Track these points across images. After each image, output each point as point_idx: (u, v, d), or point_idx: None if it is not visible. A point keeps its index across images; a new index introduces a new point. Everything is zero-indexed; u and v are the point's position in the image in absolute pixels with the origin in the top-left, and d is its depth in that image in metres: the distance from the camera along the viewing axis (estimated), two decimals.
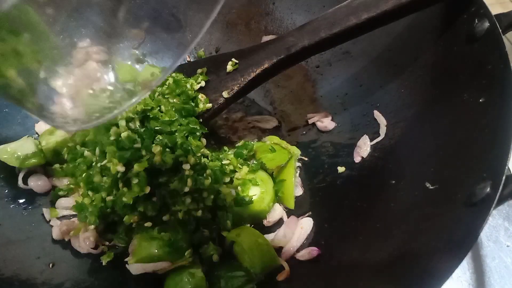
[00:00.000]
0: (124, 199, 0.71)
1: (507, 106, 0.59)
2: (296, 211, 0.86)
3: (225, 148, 0.92)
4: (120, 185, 0.72)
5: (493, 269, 0.83)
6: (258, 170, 0.86)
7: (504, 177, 0.53)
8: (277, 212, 0.86)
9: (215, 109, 0.88)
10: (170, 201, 0.76)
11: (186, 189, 0.76)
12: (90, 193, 0.77)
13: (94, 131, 0.79)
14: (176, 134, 0.79)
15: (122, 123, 0.76)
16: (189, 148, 0.77)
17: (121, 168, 0.71)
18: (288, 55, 0.80)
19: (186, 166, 0.76)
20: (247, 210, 0.82)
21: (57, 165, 0.86)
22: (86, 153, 0.80)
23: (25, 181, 0.87)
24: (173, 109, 0.81)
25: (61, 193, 0.85)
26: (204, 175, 0.78)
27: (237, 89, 0.86)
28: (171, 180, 0.75)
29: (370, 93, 0.92)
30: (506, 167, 0.54)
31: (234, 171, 0.84)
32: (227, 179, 0.85)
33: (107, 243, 0.81)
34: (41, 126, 0.95)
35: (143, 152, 0.73)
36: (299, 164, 0.94)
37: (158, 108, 0.80)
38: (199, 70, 0.91)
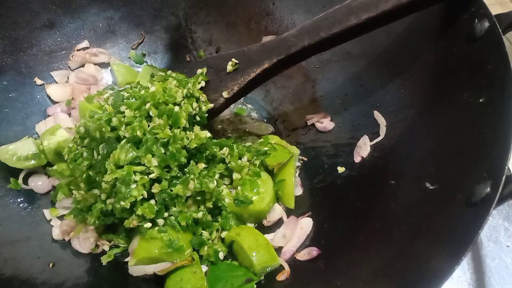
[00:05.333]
0: (122, 203, 0.71)
1: (507, 106, 0.59)
2: (296, 211, 0.86)
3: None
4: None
5: (493, 269, 0.83)
6: (260, 172, 0.85)
7: (504, 177, 0.53)
8: (277, 212, 0.86)
9: (215, 109, 0.88)
10: (170, 203, 0.76)
11: (188, 193, 0.76)
12: (90, 194, 0.77)
13: (94, 133, 0.79)
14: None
15: (122, 127, 0.76)
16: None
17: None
18: (288, 55, 0.80)
19: (196, 170, 0.76)
20: (247, 210, 0.82)
21: (55, 167, 0.86)
22: (86, 154, 0.80)
23: (25, 181, 0.87)
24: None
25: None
26: (210, 178, 0.78)
27: (237, 89, 0.86)
28: (173, 184, 0.75)
29: (370, 93, 0.92)
30: (506, 167, 0.54)
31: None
32: (227, 181, 0.85)
33: (107, 243, 0.81)
34: (41, 126, 0.95)
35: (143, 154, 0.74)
36: (299, 164, 0.95)
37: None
38: (199, 70, 0.91)
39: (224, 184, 0.84)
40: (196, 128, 0.81)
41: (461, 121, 0.68)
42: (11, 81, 0.96)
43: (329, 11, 0.78)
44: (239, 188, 0.83)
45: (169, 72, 0.91)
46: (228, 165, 0.83)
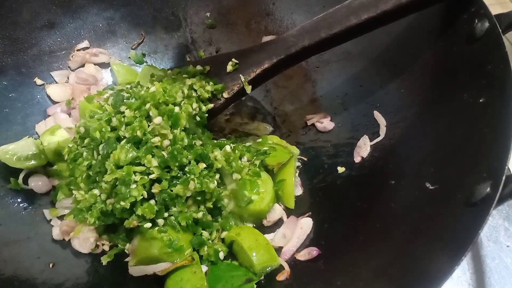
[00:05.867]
0: (122, 203, 0.71)
1: (507, 106, 0.59)
2: (296, 211, 0.86)
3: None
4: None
5: (493, 269, 0.83)
6: (260, 172, 0.85)
7: (504, 177, 0.53)
8: (277, 212, 0.86)
9: (215, 109, 0.88)
10: (170, 203, 0.76)
11: (189, 194, 0.76)
12: (90, 194, 0.77)
13: (94, 133, 0.79)
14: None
15: (122, 127, 0.76)
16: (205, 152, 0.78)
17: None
18: (288, 55, 0.80)
19: (197, 170, 0.76)
20: (247, 210, 0.82)
21: (55, 167, 0.86)
22: (86, 154, 0.80)
23: (25, 181, 0.87)
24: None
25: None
26: (210, 178, 0.78)
27: (237, 89, 0.86)
28: (173, 184, 0.75)
29: (370, 93, 0.92)
30: (506, 167, 0.54)
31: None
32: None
33: (107, 243, 0.81)
34: (41, 127, 0.95)
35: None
36: (298, 164, 0.95)
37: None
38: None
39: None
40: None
41: (461, 121, 0.68)
42: (11, 81, 0.96)
43: (329, 11, 0.79)
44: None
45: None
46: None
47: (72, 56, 1.06)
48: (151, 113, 0.78)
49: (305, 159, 0.95)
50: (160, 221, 0.75)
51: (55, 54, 1.04)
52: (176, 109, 0.79)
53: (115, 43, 1.11)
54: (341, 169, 0.89)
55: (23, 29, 0.98)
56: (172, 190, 0.75)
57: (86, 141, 0.82)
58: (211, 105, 0.86)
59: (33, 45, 1.00)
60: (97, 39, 1.09)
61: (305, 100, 1.05)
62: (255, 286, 0.74)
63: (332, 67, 1.02)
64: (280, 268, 0.77)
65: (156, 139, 0.75)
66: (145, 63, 1.13)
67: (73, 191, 0.81)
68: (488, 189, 0.54)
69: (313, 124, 1.00)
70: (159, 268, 0.73)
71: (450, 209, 0.60)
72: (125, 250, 0.79)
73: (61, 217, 0.84)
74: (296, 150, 0.92)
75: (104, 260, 0.77)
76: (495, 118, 0.60)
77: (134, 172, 0.73)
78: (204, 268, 0.76)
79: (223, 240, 0.82)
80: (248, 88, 0.85)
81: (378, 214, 0.74)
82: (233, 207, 0.82)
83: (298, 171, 0.93)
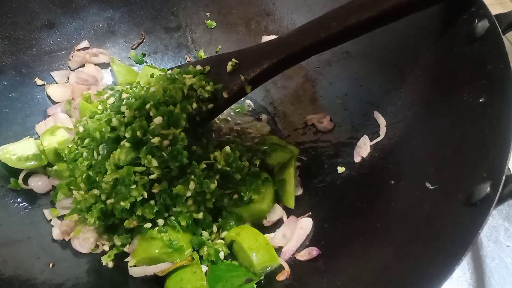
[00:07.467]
0: (122, 203, 0.71)
1: (507, 106, 0.59)
2: (296, 211, 0.86)
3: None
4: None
5: (493, 269, 0.83)
6: (260, 172, 0.85)
7: (504, 177, 0.53)
8: (277, 212, 0.86)
9: (216, 109, 0.87)
10: (170, 203, 0.76)
11: (189, 194, 0.76)
12: (90, 194, 0.77)
13: (94, 133, 0.79)
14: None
15: (122, 128, 0.76)
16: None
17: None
18: (288, 55, 0.80)
19: (198, 171, 0.76)
20: (247, 210, 0.82)
21: (55, 167, 0.86)
22: (86, 154, 0.80)
23: (25, 181, 0.87)
24: None
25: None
26: (210, 178, 0.78)
27: (237, 89, 0.86)
28: (173, 184, 0.75)
29: (370, 93, 0.92)
30: (506, 167, 0.54)
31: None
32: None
33: (107, 243, 0.81)
34: (42, 127, 0.95)
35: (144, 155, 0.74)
36: (298, 164, 0.95)
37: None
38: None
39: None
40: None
41: (461, 121, 0.68)
42: (11, 81, 0.96)
43: (329, 11, 0.78)
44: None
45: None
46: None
47: (72, 56, 1.06)
48: (151, 113, 0.78)
49: (305, 159, 0.95)
50: (160, 221, 0.75)
51: (55, 54, 1.04)
52: (176, 109, 0.79)
53: (115, 43, 1.12)
54: (341, 169, 0.89)
55: (23, 29, 0.98)
56: (172, 190, 0.75)
57: (86, 141, 0.82)
58: (211, 105, 0.86)
59: (33, 45, 1.01)
60: (97, 39, 1.09)
61: (305, 100, 1.05)
62: (255, 286, 0.74)
63: (332, 67, 1.02)
64: (280, 268, 0.77)
65: (156, 139, 0.75)
66: (145, 63, 1.13)
67: (73, 191, 0.81)
68: (488, 189, 0.54)
69: (313, 124, 1.00)
70: (159, 268, 0.73)
71: (450, 209, 0.60)
72: (125, 250, 0.80)
73: (61, 217, 0.84)
74: (296, 150, 0.92)
75: (104, 260, 0.78)
76: (495, 118, 0.60)
77: (134, 172, 0.73)
78: (204, 268, 0.77)
79: (223, 239, 0.82)
80: (248, 88, 0.85)
81: (378, 214, 0.74)
82: (233, 207, 0.82)
83: (298, 171, 0.93)
